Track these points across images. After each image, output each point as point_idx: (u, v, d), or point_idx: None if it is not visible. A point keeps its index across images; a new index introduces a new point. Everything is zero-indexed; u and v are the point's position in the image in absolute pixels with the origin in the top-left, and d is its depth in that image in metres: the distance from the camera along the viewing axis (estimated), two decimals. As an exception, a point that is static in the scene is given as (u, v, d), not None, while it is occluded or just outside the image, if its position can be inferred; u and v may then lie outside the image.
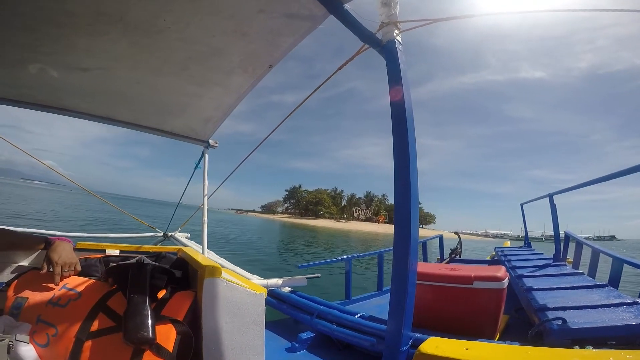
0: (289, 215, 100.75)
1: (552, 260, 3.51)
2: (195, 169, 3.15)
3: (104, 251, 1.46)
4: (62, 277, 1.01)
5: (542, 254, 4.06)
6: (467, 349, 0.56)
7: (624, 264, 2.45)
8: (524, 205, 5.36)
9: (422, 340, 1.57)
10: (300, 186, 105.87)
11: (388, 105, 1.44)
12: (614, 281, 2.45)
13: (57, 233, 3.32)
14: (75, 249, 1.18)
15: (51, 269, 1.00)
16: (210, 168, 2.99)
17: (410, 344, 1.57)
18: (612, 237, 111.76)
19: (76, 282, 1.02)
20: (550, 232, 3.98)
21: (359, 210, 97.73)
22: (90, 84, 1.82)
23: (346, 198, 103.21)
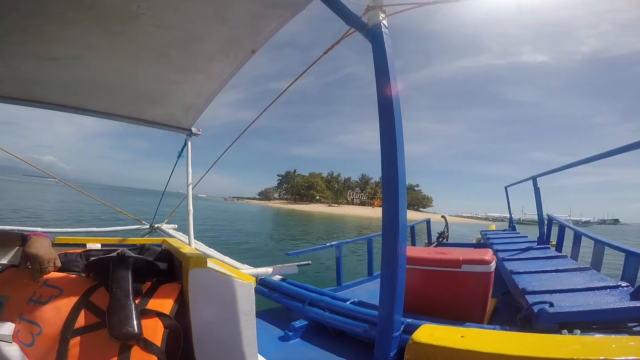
0: (283, 201, 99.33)
1: (536, 243, 3.61)
2: (178, 157, 3.08)
3: (85, 245, 1.41)
4: (42, 274, 0.97)
5: (527, 237, 4.17)
6: (462, 336, 0.55)
7: (606, 247, 2.52)
8: (508, 188, 5.45)
9: (413, 326, 1.61)
10: (295, 171, 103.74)
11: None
12: (597, 264, 2.52)
13: (39, 229, 3.21)
14: (54, 244, 1.14)
15: (29, 266, 0.96)
16: (208, 156, 2.94)
17: (402, 329, 1.60)
18: (616, 221, 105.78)
19: (56, 278, 0.98)
20: (550, 214, 4.06)
21: (352, 194, 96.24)
22: (62, 74, 1.75)
23: (346, 182, 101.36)
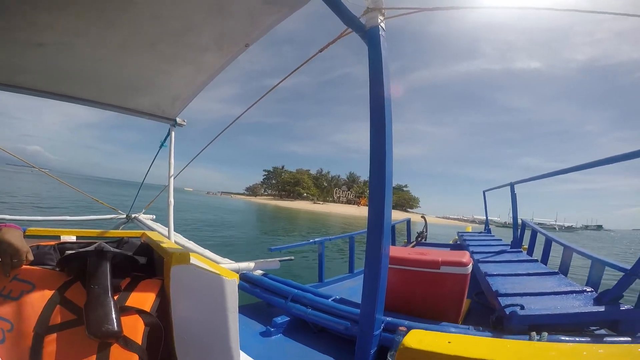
0: (268, 197, 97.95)
1: (509, 247, 3.78)
2: (160, 147, 2.99)
3: (59, 237, 1.34)
4: (12, 267, 0.92)
5: (501, 240, 4.35)
6: (449, 342, 0.58)
7: (574, 253, 2.66)
8: (486, 193, 5.67)
9: (393, 325, 1.65)
10: (283, 167, 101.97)
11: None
12: (564, 268, 2.67)
13: (7, 217, 3.03)
14: (26, 236, 1.08)
15: None
16: (199, 150, 2.87)
17: (382, 327, 1.64)
18: (599, 227, 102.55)
19: (28, 273, 0.93)
20: (538, 219, 4.20)
21: (339, 192, 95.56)
22: (49, 61, 1.68)
23: (334, 180, 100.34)
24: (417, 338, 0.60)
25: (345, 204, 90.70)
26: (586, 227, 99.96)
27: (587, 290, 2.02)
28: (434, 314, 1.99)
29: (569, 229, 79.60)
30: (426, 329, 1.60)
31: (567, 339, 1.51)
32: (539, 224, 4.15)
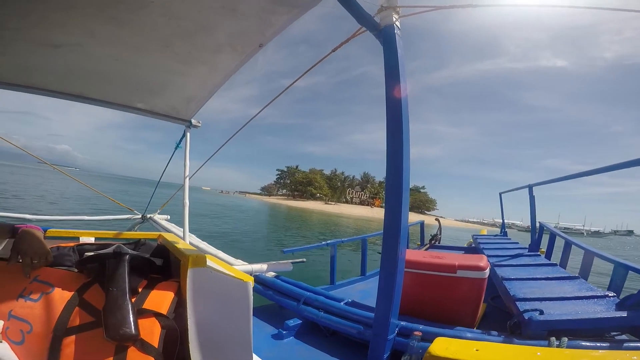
0: (281, 197, 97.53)
1: (527, 250, 3.66)
2: (175, 148, 3.02)
3: (78, 239, 1.37)
4: (33, 269, 0.93)
5: (518, 243, 4.23)
6: (477, 349, 0.55)
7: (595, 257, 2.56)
8: (503, 195, 5.52)
9: (408, 329, 1.62)
10: (297, 166, 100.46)
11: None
12: (585, 273, 2.57)
13: (27, 217, 3.12)
14: (46, 237, 1.09)
15: (20, 260, 0.92)
16: (222, 152, 2.91)
17: (396, 332, 1.60)
18: (630, 232, 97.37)
19: (48, 274, 0.94)
20: (564, 223, 4.07)
21: (352, 193, 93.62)
22: (62, 61, 1.71)
23: (347, 180, 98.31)
24: (443, 346, 0.57)
25: (358, 204, 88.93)
26: (615, 233, 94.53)
27: (609, 295, 1.93)
28: (449, 319, 1.94)
29: (596, 234, 75.70)
30: (443, 335, 1.57)
31: (587, 344, 1.45)
32: (565, 228, 4.02)
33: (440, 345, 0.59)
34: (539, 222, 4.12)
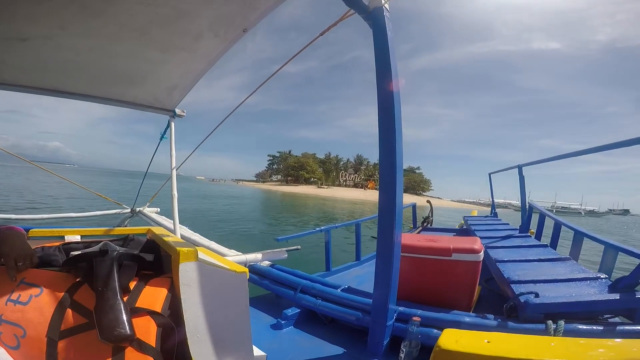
0: (275, 183, 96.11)
1: (517, 231, 3.72)
2: (161, 139, 2.95)
3: (63, 238, 1.32)
4: (18, 271, 0.89)
5: (508, 224, 4.29)
6: (487, 341, 0.54)
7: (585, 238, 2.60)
8: (492, 175, 5.55)
9: (406, 314, 1.63)
10: (290, 152, 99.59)
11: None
12: (575, 254, 2.61)
13: (12, 217, 3.02)
14: (29, 238, 1.05)
15: (3, 264, 0.88)
16: (210, 138, 2.83)
17: (394, 317, 1.62)
18: (626, 211, 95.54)
19: (35, 276, 0.91)
20: (561, 203, 4.10)
21: (345, 175, 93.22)
22: (33, 55, 1.61)
23: (340, 163, 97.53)
24: (453, 339, 0.56)
25: (352, 187, 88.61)
26: (610, 212, 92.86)
27: (601, 277, 1.97)
28: (445, 302, 1.96)
29: (592, 213, 73.07)
30: (441, 320, 1.59)
31: (584, 327, 1.48)
32: (562, 208, 4.08)
33: (449, 337, 0.57)
34: (529, 202, 4.18)
